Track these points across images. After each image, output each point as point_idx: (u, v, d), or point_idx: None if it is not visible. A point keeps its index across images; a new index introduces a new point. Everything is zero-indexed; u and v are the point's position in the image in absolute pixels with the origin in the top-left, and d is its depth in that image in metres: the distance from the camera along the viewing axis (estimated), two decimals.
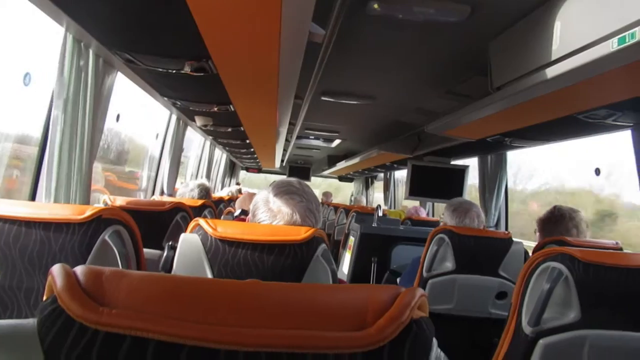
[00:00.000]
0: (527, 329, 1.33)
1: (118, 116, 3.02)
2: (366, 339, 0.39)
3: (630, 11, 1.14)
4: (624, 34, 1.17)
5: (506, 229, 3.77)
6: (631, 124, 1.98)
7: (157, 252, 1.97)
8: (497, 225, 3.74)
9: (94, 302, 0.40)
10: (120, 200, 2.18)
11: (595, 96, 1.71)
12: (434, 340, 0.43)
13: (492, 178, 3.70)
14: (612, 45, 1.21)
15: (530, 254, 2.03)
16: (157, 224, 2.12)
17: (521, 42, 1.70)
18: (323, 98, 3.30)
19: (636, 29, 1.13)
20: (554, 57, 1.48)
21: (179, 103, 2.98)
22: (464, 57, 2.19)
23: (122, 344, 0.39)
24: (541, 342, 1.29)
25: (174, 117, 3.75)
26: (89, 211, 1.27)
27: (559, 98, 1.73)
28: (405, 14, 1.70)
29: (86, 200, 2.06)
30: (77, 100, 1.98)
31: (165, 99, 2.96)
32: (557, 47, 1.46)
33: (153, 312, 0.39)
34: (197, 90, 2.59)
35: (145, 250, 1.57)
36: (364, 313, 0.41)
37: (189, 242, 1.14)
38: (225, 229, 1.13)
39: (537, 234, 2.04)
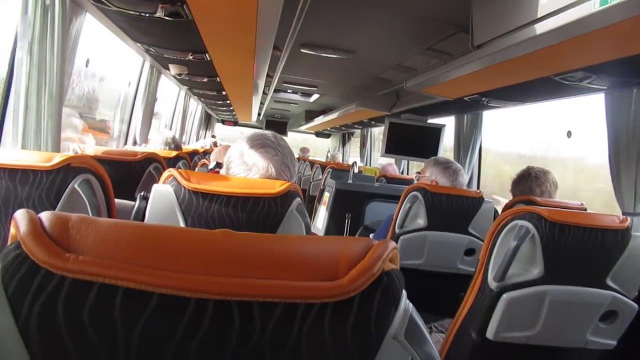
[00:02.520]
0: (492, 284, 1.38)
1: (88, 61, 2.89)
2: (337, 289, 0.39)
3: None
4: None
5: (478, 188, 3.84)
6: (605, 88, 2.01)
7: (130, 203, 1.93)
8: (469, 184, 3.80)
9: (60, 248, 0.39)
10: (90, 150, 2.12)
11: (574, 58, 1.71)
12: (404, 292, 0.44)
13: (468, 138, 3.74)
14: (595, 6, 1.20)
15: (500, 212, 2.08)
16: (129, 174, 2.08)
17: (503, 0, 1.67)
18: (303, 51, 3.23)
19: None
20: (536, 16, 1.46)
21: (152, 50, 2.87)
22: (447, 12, 2.15)
23: (90, 292, 0.38)
24: (505, 296, 1.35)
25: (147, 65, 3.62)
26: (57, 158, 1.23)
27: (538, 59, 1.73)
28: None
29: (57, 148, 2.00)
30: (44, 42, 1.88)
31: (139, 45, 2.84)
32: (541, 5, 1.45)
33: (122, 260, 0.38)
34: (171, 36, 2.49)
35: (119, 201, 1.55)
36: (336, 264, 0.41)
37: (162, 193, 1.12)
38: (200, 181, 1.11)
39: (511, 192, 2.09)
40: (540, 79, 2.03)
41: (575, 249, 1.33)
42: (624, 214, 2.08)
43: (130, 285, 0.37)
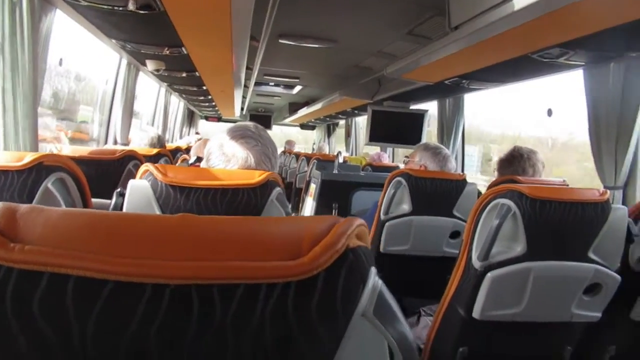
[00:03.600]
0: (476, 263, 1.38)
1: (61, 60, 2.83)
2: (299, 267, 0.38)
3: None
4: None
5: (462, 170, 3.86)
6: (583, 63, 2.01)
7: (108, 201, 1.90)
8: None
9: (5, 238, 0.37)
10: (67, 150, 2.08)
11: (549, 34, 1.71)
12: (372, 269, 0.42)
13: (450, 121, 3.75)
14: None
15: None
16: (109, 173, 2.04)
17: None
18: (281, 41, 3.20)
19: None
20: None
21: (128, 46, 2.82)
22: None
23: (39, 282, 0.36)
24: (489, 275, 1.35)
25: (124, 62, 3.55)
26: (28, 157, 1.20)
27: (514, 37, 1.73)
28: None
29: (35, 148, 1.96)
30: (14, 41, 1.83)
31: (114, 41, 2.79)
32: None
33: (72, 248, 0.37)
34: (146, 30, 2.45)
35: (96, 200, 1.52)
36: (299, 243, 0.40)
37: (138, 188, 1.10)
38: (176, 174, 1.09)
39: (496, 172, 2.10)
40: (518, 57, 2.03)
41: (557, 223, 1.33)
42: (605, 187, 2.10)
43: (82, 273, 0.36)
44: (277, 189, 1.11)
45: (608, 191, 1.36)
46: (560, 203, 1.31)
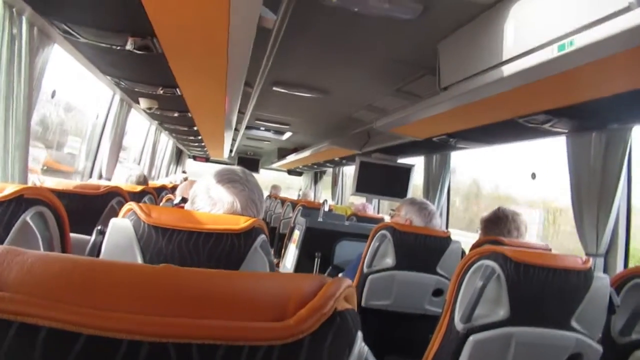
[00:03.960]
0: (459, 325, 1.35)
1: (54, 92, 2.84)
2: (284, 330, 0.36)
3: (570, 19, 1.18)
4: (563, 42, 1.21)
5: (446, 227, 3.87)
6: (566, 131, 2.08)
7: (88, 237, 1.85)
8: None
9: None
10: (50, 182, 2.04)
11: (535, 101, 1.77)
12: (359, 334, 0.41)
13: (436, 177, 3.79)
14: (553, 52, 1.25)
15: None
16: (91, 208, 2.00)
17: (469, 44, 1.73)
18: (274, 88, 3.25)
19: (575, 36, 1.17)
20: (499, 61, 1.51)
21: (122, 83, 2.84)
22: (415, 55, 2.21)
23: (7, 331, 0.34)
24: (471, 338, 1.32)
25: (117, 98, 3.57)
26: (9, 189, 1.17)
27: (502, 101, 1.78)
28: (361, 7, 1.69)
29: (24, 180, 1.93)
30: (11, 73, 1.84)
31: (109, 77, 2.81)
32: (503, 51, 1.50)
33: (46, 296, 0.35)
34: (141, 70, 2.48)
35: (75, 235, 1.48)
36: (285, 303, 0.38)
37: (119, 227, 1.07)
38: (160, 215, 1.07)
39: (480, 232, 2.10)
40: (505, 120, 2.09)
41: (540, 289, 1.33)
42: (586, 254, 2.12)
43: (54, 324, 0.34)
44: (262, 237, 1.09)
45: (591, 259, 1.37)
46: (544, 269, 1.31)
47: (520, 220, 2.07)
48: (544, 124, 1.97)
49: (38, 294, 0.35)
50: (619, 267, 2.07)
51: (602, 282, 1.35)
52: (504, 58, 1.48)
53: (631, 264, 2.10)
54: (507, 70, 1.48)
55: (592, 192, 2.08)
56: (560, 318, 1.35)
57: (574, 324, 1.35)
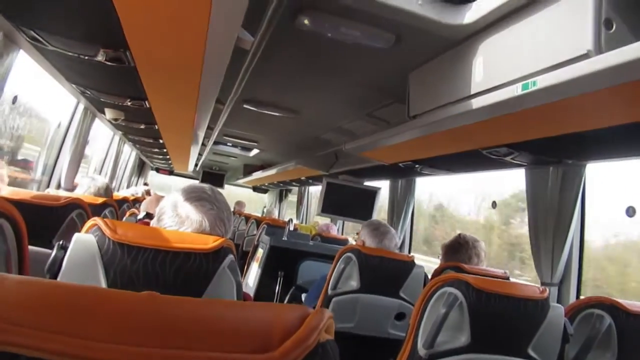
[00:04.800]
0: (421, 351, 1.38)
1: (15, 98, 2.74)
2: None
3: (534, 61, 1.25)
4: (527, 81, 1.28)
5: (409, 251, 3.93)
6: (525, 164, 2.17)
7: (46, 251, 1.78)
8: (401, 247, 3.89)
9: None
10: (5, 191, 1.96)
11: (499, 134, 1.85)
12: None
13: (401, 202, 3.86)
14: (517, 90, 1.31)
15: (430, 277, 2.13)
16: (49, 220, 1.92)
17: (438, 77, 1.80)
18: (245, 106, 3.25)
19: (538, 77, 1.23)
20: (466, 94, 1.58)
21: (88, 92, 2.78)
22: (386, 83, 2.27)
23: None
24: None
25: (81, 106, 3.48)
26: None
27: (467, 132, 1.85)
28: (334, 33, 1.73)
29: None
30: None
31: (74, 86, 2.74)
32: (470, 85, 1.56)
33: (26, 324, 0.34)
34: (110, 80, 2.44)
35: (33, 248, 1.41)
36: (269, 334, 0.39)
37: (82, 243, 1.04)
38: (126, 231, 1.05)
39: (441, 258, 2.15)
40: (469, 151, 2.17)
41: (500, 317, 1.37)
42: (542, 283, 2.20)
43: (35, 354, 0.33)
44: (230, 257, 1.09)
45: (547, 289, 1.42)
46: (505, 297, 1.36)
47: (480, 246, 2.13)
48: (505, 157, 2.06)
49: (18, 321, 0.34)
50: (572, 297, 2.16)
51: (557, 311, 1.41)
52: (471, 92, 1.55)
53: (583, 294, 2.19)
54: (473, 104, 1.54)
55: (549, 223, 2.17)
56: (518, 346, 1.40)
57: (530, 351, 1.40)
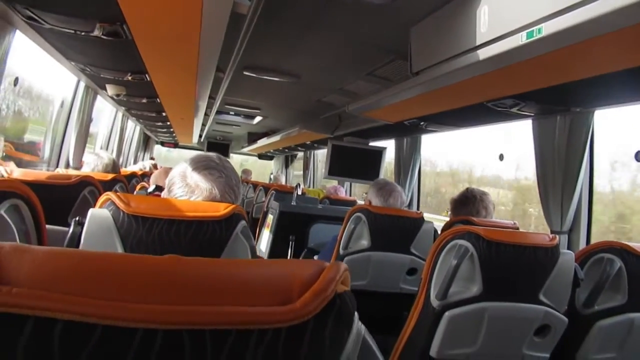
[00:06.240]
0: (434, 302, 1.41)
1: (16, 80, 2.74)
2: (290, 313, 0.39)
3: (539, 7, 1.22)
4: (532, 29, 1.26)
5: (418, 208, 3.96)
6: (532, 114, 2.15)
7: (62, 229, 1.81)
8: (409, 205, 3.91)
9: None
10: (18, 172, 1.98)
11: (504, 86, 1.83)
12: (356, 314, 0.44)
13: (407, 160, 3.86)
14: (522, 39, 1.29)
15: (440, 232, 2.15)
16: (62, 199, 1.95)
17: (440, 30, 1.76)
18: (245, 73, 3.23)
19: (543, 24, 1.21)
20: (469, 47, 1.55)
21: (88, 69, 2.76)
22: (387, 40, 2.24)
23: (24, 326, 0.35)
24: (447, 314, 1.38)
25: (82, 84, 3.47)
26: None
27: (472, 86, 1.83)
28: None
29: None
30: None
31: (73, 63, 2.73)
32: (473, 37, 1.54)
33: (61, 290, 0.36)
34: (109, 56, 2.41)
35: (50, 227, 1.44)
36: (289, 288, 0.41)
37: (98, 217, 1.06)
38: (139, 204, 1.06)
39: (450, 213, 2.17)
40: (474, 104, 2.15)
41: (510, 266, 1.40)
42: (552, 232, 2.22)
43: (69, 317, 0.35)
44: (242, 222, 1.10)
45: (557, 236, 1.44)
46: (515, 246, 1.38)
47: (488, 200, 2.14)
48: (511, 108, 2.04)
49: (52, 289, 0.36)
50: (582, 244, 2.18)
51: (567, 257, 1.43)
52: (475, 44, 1.52)
53: (593, 240, 2.21)
54: (477, 56, 1.52)
55: (557, 172, 2.17)
56: (529, 292, 1.43)
57: (542, 297, 1.43)
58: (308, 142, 5.75)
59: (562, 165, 2.15)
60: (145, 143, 8.86)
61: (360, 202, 4.05)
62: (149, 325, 0.36)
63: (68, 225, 1.31)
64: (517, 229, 2.09)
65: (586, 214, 2.21)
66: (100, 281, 0.38)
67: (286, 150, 8.02)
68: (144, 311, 0.36)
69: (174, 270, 0.40)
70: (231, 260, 0.43)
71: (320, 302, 0.40)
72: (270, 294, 0.40)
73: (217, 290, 0.39)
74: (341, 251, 2.15)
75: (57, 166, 3.46)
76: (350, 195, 5.46)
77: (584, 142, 2.10)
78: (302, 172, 7.96)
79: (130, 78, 2.78)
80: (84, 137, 3.57)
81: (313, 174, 7.40)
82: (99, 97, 3.76)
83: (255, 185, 6.06)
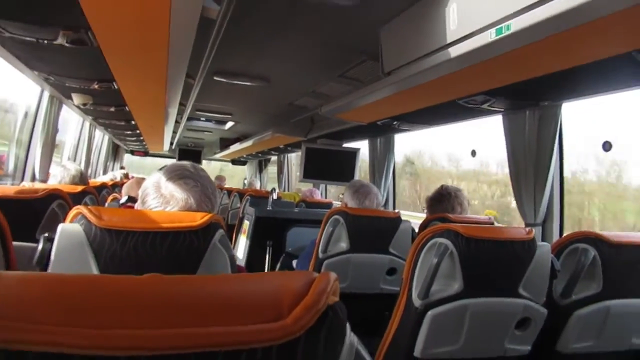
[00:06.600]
0: (417, 302, 1.41)
1: None
2: (282, 330, 0.37)
3: (507, 4, 1.24)
4: (501, 25, 1.28)
5: (394, 208, 3.98)
6: (502, 110, 2.19)
7: (30, 245, 1.74)
8: (385, 204, 3.93)
9: None
10: None
11: (475, 83, 1.85)
12: (347, 325, 0.42)
13: (381, 160, 3.87)
14: (491, 35, 1.31)
15: (417, 230, 2.16)
16: (29, 214, 1.88)
17: (410, 29, 1.77)
18: (216, 78, 3.18)
19: (512, 21, 1.23)
20: (440, 45, 1.57)
21: (52, 78, 2.67)
22: (356, 41, 2.24)
23: None
24: (430, 313, 1.39)
25: (46, 94, 3.36)
26: None
27: (443, 84, 1.85)
28: None
29: None
30: None
31: (36, 73, 2.63)
32: (443, 35, 1.55)
33: (30, 320, 0.33)
34: (74, 64, 2.34)
35: (17, 243, 1.38)
36: (279, 303, 0.39)
37: (69, 233, 1.01)
38: (112, 216, 1.02)
39: (426, 211, 2.19)
40: (446, 102, 2.17)
41: (490, 261, 1.41)
42: (526, 224, 2.26)
43: (44, 348, 0.32)
44: (220, 231, 1.08)
45: (533, 229, 1.46)
46: (493, 241, 1.39)
47: (462, 196, 2.17)
48: (482, 104, 2.07)
49: (22, 318, 0.33)
50: (555, 235, 2.23)
51: (544, 249, 1.46)
52: (445, 42, 1.54)
53: (566, 232, 2.26)
54: (448, 54, 1.54)
55: (529, 166, 2.22)
56: (508, 287, 1.44)
57: (521, 291, 1.45)
58: (281, 146, 5.72)
59: (533, 159, 2.20)
60: (115, 152, 8.67)
61: (337, 203, 4.06)
62: (130, 353, 0.34)
63: (36, 241, 1.26)
64: (492, 223, 2.12)
65: (558, 205, 2.26)
66: (76, 307, 0.35)
67: (259, 154, 7.96)
68: (125, 337, 0.34)
69: (156, 291, 0.38)
70: (216, 277, 0.41)
71: (312, 316, 0.38)
72: (259, 311, 0.38)
73: (203, 310, 0.37)
74: (320, 255, 2.13)
75: (22, 179, 3.33)
76: (326, 198, 5.45)
77: (553, 135, 2.14)
78: (276, 176, 7.92)
79: (97, 87, 2.70)
80: (50, 148, 3.45)
81: (287, 177, 7.37)
82: (64, 107, 3.65)
83: (229, 192, 6.00)
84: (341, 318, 0.41)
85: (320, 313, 0.39)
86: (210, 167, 11.08)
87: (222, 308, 0.38)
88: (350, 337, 0.42)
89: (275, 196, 3.75)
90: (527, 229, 1.46)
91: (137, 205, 1.19)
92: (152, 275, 0.39)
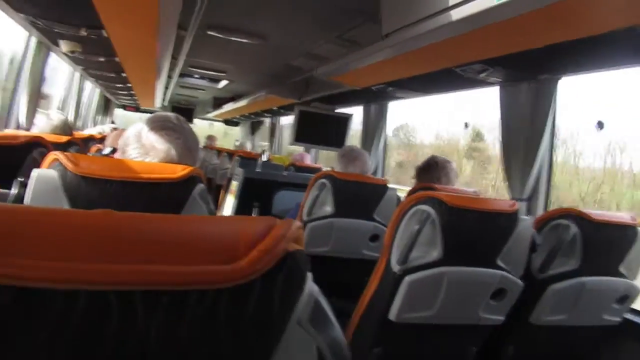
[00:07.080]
0: (395, 267, 1.42)
1: None
2: (235, 272, 0.35)
3: None
4: None
5: (382, 175, 3.97)
6: (499, 80, 2.16)
7: (5, 191, 1.71)
8: (375, 172, 3.92)
9: None
10: None
11: (473, 50, 1.81)
12: (309, 274, 0.41)
13: (374, 127, 3.84)
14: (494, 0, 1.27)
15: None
16: (9, 161, 1.83)
17: None
18: (210, 32, 3.10)
19: None
20: (441, 7, 1.52)
21: (39, 23, 2.58)
22: (355, 1, 2.17)
23: None
24: (407, 278, 1.39)
25: (33, 40, 3.25)
26: None
27: (442, 49, 1.81)
28: None
29: None
30: None
31: (22, 15, 2.54)
32: None
33: None
34: (62, 8, 2.26)
35: None
36: (234, 245, 0.37)
37: (44, 178, 0.98)
38: (90, 164, 0.99)
39: (414, 180, 2.18)
40: (443, 70, 2.13)
41: (471, 231, 1.41)
42: (512, 198, 2.26)
43: None
44: (200, 185, 1.06)
45: (517, 203, 1.46)
46: (476, 212, 1.38)
47: (450, 167, 2.15)
48: (479, 74, 2.04)
49: None
50: (540, 211, 2.23)
51: (526, 223, 1.46)
52: (447, 5, 1.49)
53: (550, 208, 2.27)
54: (450, 16, 1.49)
55: (520, 140, 2.20)
56: (487, 257, 1.45)
57: (499, 262, 1.46)
58: (275, 108, 5.66)
59: (525, 134, 2.18)
60: (106, 106, 8.53)
61: (327, 169, 4.04)
62: (70, 286, 0.32)
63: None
64: (478, 196, 2.12)
65: (545, 182, 2.26)
66: (16, 238, 0.33)
67: (252, 116, 7.87)
68: (64, 270, 0.32)
69: (104, 225, 0.36)
70: (170, 216, 0.39)
71: (269, 260, 0.37)
72: (213, 252, 0.36)
73: (152, 247, 0.35)
74: (305, 217, 2.13)
75: (5, 127, 3.27)
76: (316, 163, 5.44)
77: (547, 110, 2.12)
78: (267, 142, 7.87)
79: (85, 34, 2.62)
80: (36, 96, 3.37)
81: (279, 140, 7.32)
82: (54, 56, 3.55)
83: (219, 151, 5.96)
84: (300, 266, 0.39)
85: (278, 258, 0.37)
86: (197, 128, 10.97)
87: (175, 247, 0.36)
88: (310, 287, 0.41)
89: (265, 158, 3.72)
90: (512, 202, 1.46)
91: (117, 155, 1.16)
92: (103, 210, 0.37)
